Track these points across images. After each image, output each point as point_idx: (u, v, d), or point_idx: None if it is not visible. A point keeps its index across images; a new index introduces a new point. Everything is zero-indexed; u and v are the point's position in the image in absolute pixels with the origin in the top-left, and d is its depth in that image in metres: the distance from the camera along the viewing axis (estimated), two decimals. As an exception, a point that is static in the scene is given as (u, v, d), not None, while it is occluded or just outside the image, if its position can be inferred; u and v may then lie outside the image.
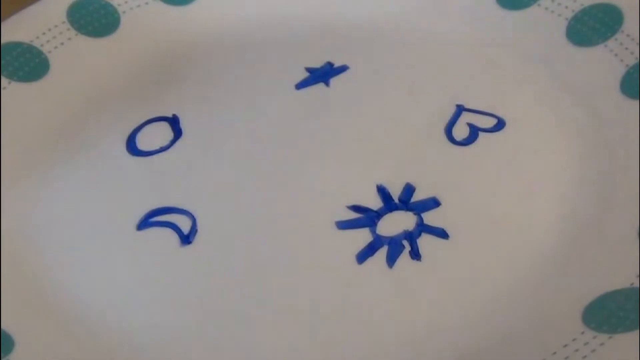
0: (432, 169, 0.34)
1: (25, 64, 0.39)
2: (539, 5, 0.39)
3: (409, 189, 0.33)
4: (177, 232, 0.32)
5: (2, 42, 0.39)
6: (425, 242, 0.31)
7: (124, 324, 0.30)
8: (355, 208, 0.33)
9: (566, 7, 0.38)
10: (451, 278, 0.30)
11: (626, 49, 0.35)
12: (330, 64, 0.40)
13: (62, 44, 0.40)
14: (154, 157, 0.36)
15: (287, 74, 0.39)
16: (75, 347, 0.29)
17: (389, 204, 0.32)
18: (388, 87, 0.38)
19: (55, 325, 0.30)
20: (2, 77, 0.38)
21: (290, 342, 0.29)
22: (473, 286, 0.29)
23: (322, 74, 0.39)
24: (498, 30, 0.39)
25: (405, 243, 0.31)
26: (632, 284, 0.27)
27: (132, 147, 0.37)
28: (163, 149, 0.37)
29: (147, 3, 0.43)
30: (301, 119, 0.37)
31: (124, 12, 0.42)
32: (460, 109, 0.36)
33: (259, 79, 0.40)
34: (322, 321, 0.29)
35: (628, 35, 0.36)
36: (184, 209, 0.33)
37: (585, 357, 0.25)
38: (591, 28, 0.37)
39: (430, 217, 0.32)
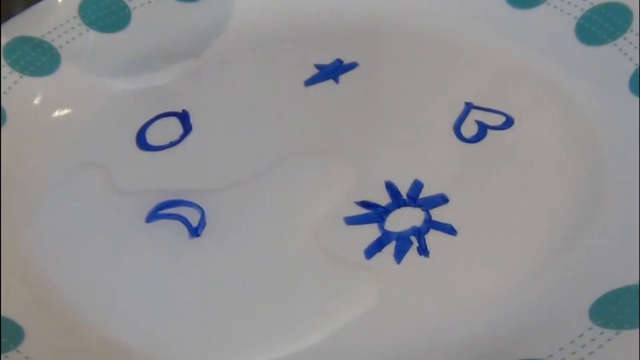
0: (441, 165, 0.34)
1: (36, 58, 0.40)
2: (548, 4, 0.39)
3: (417, 185, 0.33)
4: (186, 225, 0.33)
5: (13, 36, 0.39)
6: (433, 238, 0.31)
7: (132, 315, 0.30)
8: (364, 204, 0.33)
9: (575, 5, 0.38)
10: (459, 274, 0.30)
11: (635, 48, 0.35)
12: (339, 61, 0.40)
13: (73, 39, 0.41)
14: (164, 151, 0.36)
15: (296, 70, 0.40)
16: (84, 339, 0.30)
17: (397, 200, 0.33)
18: (397, 84, 0.38)
19: (64, 317, 0.30)
20: (14, 71, 0.39)
21: (296, 335, 0.29)
22: (480, 282, 0.30)
23: (332, 71, 0.39)
24: (507, 29, 0.39)
25: (413, 239, 0.31)
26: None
27: (142, 142, 0.37)
28: (173, 144, 0.37)
29: (158, -1, 0.43)
30: (310, 116, 0.37)
31: (134, 7, 0.42)
32: (469, 107, 0.36)
33: (268, 75, 0.40)
34: (329, 316, 0.29)
35: (637, 35, 0.36)
36: (193, 202, 0.33)
37: (592, 353, 0.25)
38: (600, 27, 0.37)
39: (438, 214, 0.32)
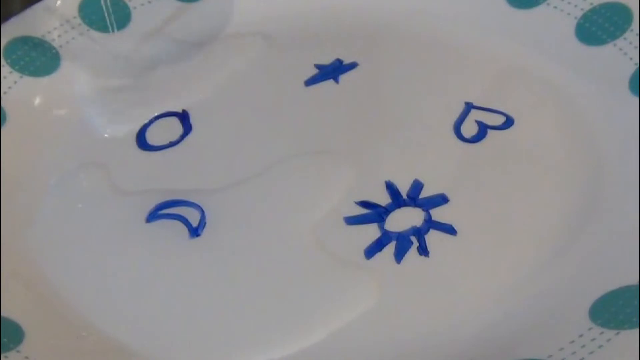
0: (441, 165, 0.34)
1: (36, 58, 0.40)
2: (548, 4, 0.39)
3: (417, 186, 0.33)
4: (186, 225, 0.33)
5: (13, 36, 0.39)
6: (433, 238, 0.31)
7: (132, 315, 0.30)
8: (364, 204, 0.33)
9: (575, 6, 0.38)
10: (459, 274, 0.30)
11: (635, 48, 0.35)
12: (339, 61, 0.40)
13: (73, 39, 0.41)
14: (164, 151, 0.36)
15: (296, 70, 0.40)
16: (84, 338, 0.30)
17: (397, 200, 0.33)
18: (397, 84, 0.38)
19: (64, 317, 0.30)
20: (14, 71, 0.39)
21: (296, 335, 0.29)
22: (480, 282, 0.30)
23: (332, 71, 0.39)
24: (507, 29, 0.39)
25: (413, 239, 0.31)
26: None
27: (142, 142, 0.37)
28: (173, 144, 0.37)
29: (158, -1, 0.43)
30: (310, 116, 0.37)
31: (134, 7, 0.42)
32: (469, 107, 0.36)
33: (268, 75, 0.40)
34: (329, 316, 0.29)
35: (637, 35, 0.36)
36: (193, 202, 0.33)
37: (592, 352, 0.25)
38: (600, 27, 0.37)
39: (438, 214, 0.32)
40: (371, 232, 0.32)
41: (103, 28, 0.41)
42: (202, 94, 0.39)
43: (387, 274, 0.30)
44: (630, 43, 0.36)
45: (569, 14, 0.38)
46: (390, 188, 0.33)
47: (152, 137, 0.37)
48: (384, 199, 0.33)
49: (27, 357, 0.28)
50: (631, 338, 0.25)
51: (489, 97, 0.37)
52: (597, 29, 0.37)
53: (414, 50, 0.40)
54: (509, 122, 0.35)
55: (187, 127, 0.38)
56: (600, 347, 0.25)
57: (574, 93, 0.36)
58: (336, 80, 0.39)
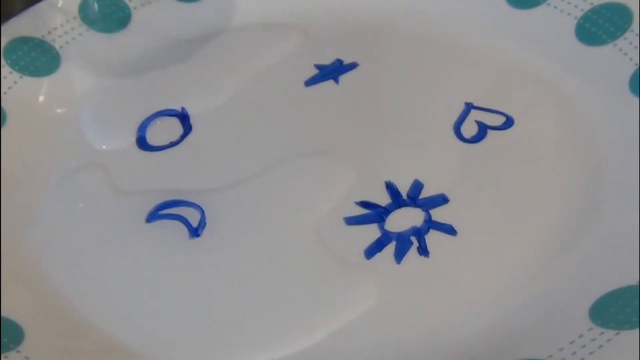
0: (441, 165, 0.34)
1: (36, 59, 0.40)
2: (548, 4, 0.39)
3: (417, 186, 0.33)
4: (186, 225, 0.33)
5: (13, 36, 0.39)
6: (433, 238, 0.31)
7: (132, 315, 0.30)
8: (364, 204, 0.33)
9: (575, 6, 0.38)
10: (459, 274, 0.30)
11: (635, 48, 0.35)
12: (339, 61, 0.40)
13: (73, 39, 0.41)
14: (164, 151, 0.36)
15: (296, 70, 0.40)
16: (84, 339, 0.30)
17: (398, 201, 0.33)
18: (397, 84, 0.38)
19: (64, 317, 0.30)
20: (14, 71, 0.39)
21: (296, 335, 0.29)
22: (480, 282, 0.30)
23: (332, 71, 0.39)
24: (507, 29, 0.39)
25: (413, 239, 0.31)
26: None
27: (142, 142, 0.37)
28: (173, 144, 0.37)
29: (158, -1, 0.43)
30: (310, 116, 0.37)
31: (135, 8, 0.42)
32: (469, 107, 0.36)
33: (268, 75, 0.40)
34: (329, 316, 0.29)
35: (637, 35, 0.36)
36: (193, 202, 0.33)
37: (592, 353, 0.25)
38: (600, 27, 0.37)
39: (438, 214, 0.32)
40: (371, 232, 0.32)
41: (103, 28, 0.41)
42: (202, 93, 0.39)
43: (387, 274, 0.30)
44: (630, 43, 0.36)
45: (569, 14, 0.38)
46: (390, 188, 0.33)
47: (152, 137, 0.37)
48: (384, 199, 0.33)
49: (27, 357, 0.28)
50: (631, 338, 0.25)
51: (489, 97, 0.37)
52: (597, 29, 0.37)
53: (414, 50, 0.40)
54: (509, 122, 0.35)
55: (187, 127, 0.38)
56: (600, 347, 0.25)
57: (574, 93, 0.36)
58: (336, 81, 0.39)
